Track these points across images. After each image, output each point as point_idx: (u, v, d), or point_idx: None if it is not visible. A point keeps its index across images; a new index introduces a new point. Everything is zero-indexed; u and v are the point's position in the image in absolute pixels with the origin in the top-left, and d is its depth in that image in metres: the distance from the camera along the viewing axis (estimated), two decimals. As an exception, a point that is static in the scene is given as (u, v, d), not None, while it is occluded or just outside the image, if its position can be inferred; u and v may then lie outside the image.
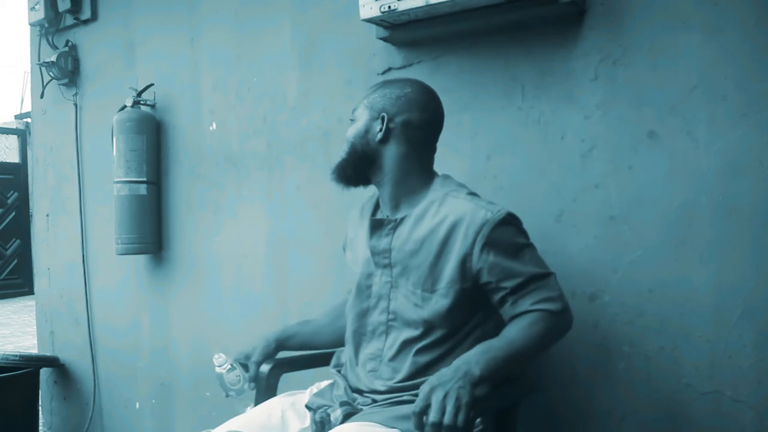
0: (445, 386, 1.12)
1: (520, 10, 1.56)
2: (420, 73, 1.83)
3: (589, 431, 1.59)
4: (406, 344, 1.33)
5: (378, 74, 1.92)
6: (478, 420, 1.28)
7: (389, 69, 1.90)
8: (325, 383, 1.51)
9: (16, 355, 2.86)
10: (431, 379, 1.15)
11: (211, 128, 2.38)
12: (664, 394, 1.49)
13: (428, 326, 1.31)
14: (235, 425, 1.37)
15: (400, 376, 1.32)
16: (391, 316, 1.35)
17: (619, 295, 1.54)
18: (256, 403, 1.54)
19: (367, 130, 1.38)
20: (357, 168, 1.40)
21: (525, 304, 1.26)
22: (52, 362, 2.99)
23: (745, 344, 1.40)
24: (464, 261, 1.27)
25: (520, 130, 1.67)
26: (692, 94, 1.45)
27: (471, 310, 1.32)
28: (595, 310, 1.57)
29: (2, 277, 8.17)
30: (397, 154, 1.36)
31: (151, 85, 2.51)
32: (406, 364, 1.32)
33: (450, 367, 1.17)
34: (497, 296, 1.28)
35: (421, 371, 1.31)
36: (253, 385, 1.55)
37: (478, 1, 1.55)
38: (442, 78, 1.79)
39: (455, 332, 1.31)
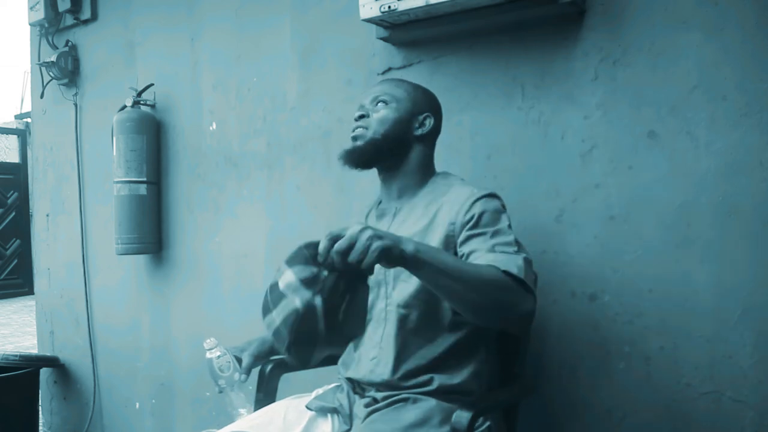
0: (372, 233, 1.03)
1: (520, 10, 1.56)
2: (420, 73, 1.83)
3: (589, 431, 1.59)
4: (400, 326, 1.33)
5: (378, 74, 1.92)
6: (481, 420, 1.28)
7: (389, 69, 1.90)
8: (330, 386, 1.50)
9: (16, 355, 2.86)
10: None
11: (211, 128, 2.38)
12: (664, 394, 1.49)
13: (415, 303, 1.31)
14: (239, 427, 1.37)
15: (392, 360, 1.32)
16: (389, 301, 1.36)
17: (619, 295, 1.54)
18: (257, 406, 1.53)
19: (409, 121, 1.41)
20: (382, 150, 1.39)
21: (490, 258, 1.18)
22: (52, 362, 2.99)
23: (745, 344, 1.40)
24: (449, 234, 1.30)
25: (520, 130, 1.67)
26: (692, 94, 1.45)
27: None
28: (595, 310, 1.57)
29: (2, 277, 8.17)
30: (423, 151, 1.44)
31: (151, 85, 2.51)
32: (398, 347, 1.32)
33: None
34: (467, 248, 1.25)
35: (408, 354, 1.31)
36: (245, 377, 1.50)
37: (478, 1, 1.55)
38: (442, 78, 1.79)
39: (440, 313, 1.31)
